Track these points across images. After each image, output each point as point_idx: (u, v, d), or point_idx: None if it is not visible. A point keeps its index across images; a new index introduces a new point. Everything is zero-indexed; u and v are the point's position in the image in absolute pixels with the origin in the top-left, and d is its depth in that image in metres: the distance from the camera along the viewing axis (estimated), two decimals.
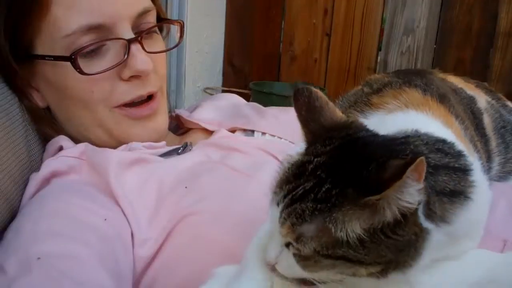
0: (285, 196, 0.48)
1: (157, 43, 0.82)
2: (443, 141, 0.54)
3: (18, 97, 0.79)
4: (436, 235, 0.48)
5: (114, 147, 0.80)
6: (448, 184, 0.49)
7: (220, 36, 2.09)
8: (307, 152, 0.51)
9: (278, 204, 0.49)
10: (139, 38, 0.77)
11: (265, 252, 0.54)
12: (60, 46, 0.74)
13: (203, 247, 0.66)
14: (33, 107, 0.80)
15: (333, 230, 0.45)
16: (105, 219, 0.66)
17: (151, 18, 0.81)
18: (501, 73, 1.83)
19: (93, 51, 0.75)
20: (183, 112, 0.96)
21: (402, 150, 0.49)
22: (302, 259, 0.47)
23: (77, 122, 0.81)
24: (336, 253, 0.46)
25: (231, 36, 2.10)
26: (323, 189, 0.46)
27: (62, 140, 0.79)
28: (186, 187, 0.70)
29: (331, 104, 0.55)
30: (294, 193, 0.48)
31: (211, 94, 2.02)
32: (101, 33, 0.75)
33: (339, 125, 0.53)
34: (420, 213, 0.46)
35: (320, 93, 0.55)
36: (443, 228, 0.49)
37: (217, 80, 2.12)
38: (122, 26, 0.76)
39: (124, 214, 0.68)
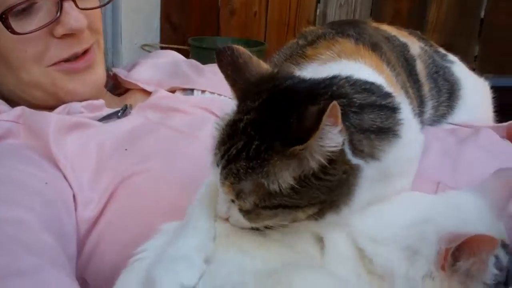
0: (222, 157, 0.50)
1: None
2: (372, 83, 0.55)
3: None
4: (367, 171, 0.49)
5: (53, 106, 0.78)
6: (375, 122, 0.51)
7: None
8: (238, 110, 0.52)
9: (218, 165, 0.50)
10: None
11: (209, 205, 0.56)
12: None
13: (148, 205, 0.66)
14: None
15: (266, 183, 0.47)
16: (46, 183, 0.65)
17: None
18: (437, 24, 1.86)
19: (25, 10, 0.73)
20: (120, 72, 0.94)
21: (324, 93, 0.50)
22: (246, 213, 0.50)
23: (12, 84, 0.79)
24: (273, 203, 0.48)
25: None
26: (253, 146, 0.48)
27: None
28: (126, 149, 0.69)
29: (255, 58, 0.56)
30: (229, 153, 0.49)
31: (149, 52, 1.98)
32: None
33: (265, 77, 0.54)
34: (347, 150, 0.47)
35: (242, 49, 0.56)
36: (373, 165, 0.50)
37: (154, 36, 2.06)
38: None
39: (65, 177, 0.67)
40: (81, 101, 0.79)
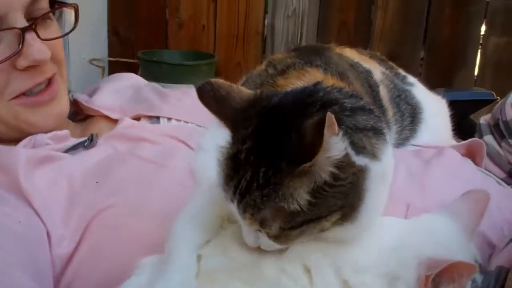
0: (234, 193, 0.50)
1: (52, 28, 0.78)
2: (354, 94, 0.55)
3: None
4: (374, 170, 0.50)
5: (17, 139, 0.76)
6: (369, 122, 0.51)
7: (103, 4, 2.00)
8: (233, 141, 0.52)
9: (232, 201, 0.50)
10: (33, 26, 0.72)
11: (189, 239, 0.56)
12: None
13: (123, 239, 0.65)
14: None
15: (285, 206, 0.47)
16: (19, 221, 0.63)
17: (44, 4, 0.77)
18: (382, 32, 1.92)
19: None
20: (81, 97, 0.92)
21: (313, 102, 0.50)
22: (275, 238, 0.50)
23: None
24: (297, 222, 0.49)
25: (114, 3, 2.02)
26: (261, 174, 0.48)
27: None
28: (97, 182, 0.68)
29: (234, 86, 0.55)
30: (240, 187, 0.49)
31: (98, 66, 1.95)
32: None
33: (251, 101, 0.53)
34: (351, 152, 0.48)
35: (220, 81, 0.55)
36: (377, 164, 0.51)
37: (102, 50, 2.03)
38: (14, 16, 0.71)
39: (37, 214, 0.66)
40: (45, 132, 0.77)
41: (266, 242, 0.51)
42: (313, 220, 0.49)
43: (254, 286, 0.53)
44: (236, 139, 0.51)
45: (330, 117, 0.44)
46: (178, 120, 0.85)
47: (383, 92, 0.77)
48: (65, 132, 0.79)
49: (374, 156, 0.50)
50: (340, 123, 0.47)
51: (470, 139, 0.83)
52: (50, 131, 0.78)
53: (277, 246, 0.51)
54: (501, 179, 0.82)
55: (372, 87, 0.76)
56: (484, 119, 0.90)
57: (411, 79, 0.86)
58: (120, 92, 0.94)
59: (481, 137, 0.88)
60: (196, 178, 0.68)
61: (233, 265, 0.55)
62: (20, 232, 0.62)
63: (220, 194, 0.52)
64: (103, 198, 0.67)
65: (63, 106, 0.80)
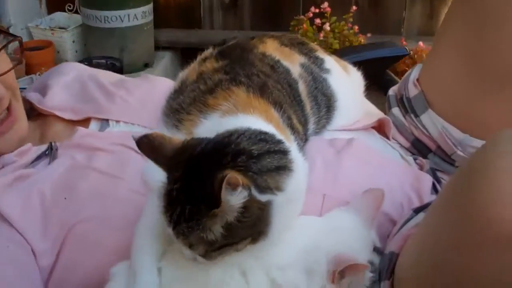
0: (169, 221, 0.63)
1: (1, 59, 0.85)
2: (266, 133, 0.68)
3: None
4: (278, 201, 0.64)
5: None
6: (273, 163, 0.64)
7: None
8: (169, 181, 0.65)
9: (169, 226, 0.64)
10: None
11: (149, 251, 0.71)
12: None
13: (95, 250, 0.77)
14: None
15: (205, 236, 0.62)
16: (8, 246, 0.75)
17: None
18: None
19: None
20: (34, 97, 0.99)
21: (226, 154, 0.62)
22: (202, 256, 0.64)
23: None
24: (216, 247, 0.63)
25: None
26: (187, 210, 0.62)
27: None
28: (65, 198, 0.79)
29: (167, 137, 0.67)
30: (173, 217, 0.63)
31: None
32: None
33: (180, 150, 0.66)
34: (255, 194, 0.61)
35: (155, 133, 0.67)
36: (281, 195, 0.65)
37: None
38: None
39: (20, 234, 0.77)
40: (12, 151, 0.87)
41: (198, 258, 0.65)
42: (229, 245, 0.63)
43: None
44: (170, 180, 0.64)
45: (230, 177, 0.57)
46: (126, 123, 0.94)
47: (302, 88, 0.88)
48: (28, 146, 0.89)
49: (278, 189, 0.64)
50: (246, 169, 0.61)
51: (378, 118, 0.97)
52: (16, 149, 0.87)
53: (206, 261, 0.65)
54: (406, 148, 0.97)
55: (291, 86, 0.86)
56: (392, 90, 1.02)
57: (328, 63, 0.96)
58: (68, 88, 1.01)
59: (390, 108, 1.01)
60: (148, 188, 0.80)
61: (186, 275, 0.70)
62: (12, 255, 0.74)
63: (161, 219, 0.65)
64: (72, 214, 0.79)
65: (23, 128, 0.89)
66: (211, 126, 0.75)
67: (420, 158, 0.95)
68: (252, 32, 2.92)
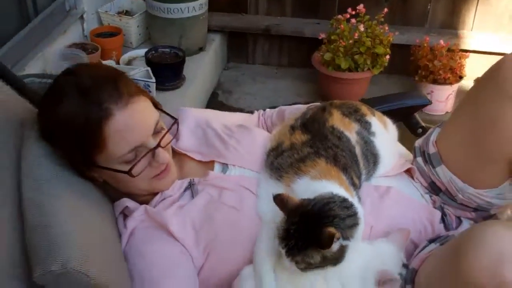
0: (284, 247, 1.09)
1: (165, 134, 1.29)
2: (346, 200, 1.15)
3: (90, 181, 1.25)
4: (350, 244, 1.11)
5: (153, 195, 1.30)
6: (351, 221, 1.11)
7: None
8: (287, 222, 1.10)
9: (283, 249, 1.09)
10: (159, 144, 1.24)
11: (268, 267, 1.17)
12: (116, 161, 1.19)
13: (230, 255, 1.21)
14: (99, 185, 1.28)
15: (308, 260, 1.07)
16: (180, 251, 1.20)
17: (160, 123, 1.25)
18: None
19: (134, 159, 1.23)
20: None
21: (328, 216, 1.08)
22: (301, 269, 1.09)
23: (128, 190, 1.29)
24: (312, 267, 1.09)
25: None
26: (299, 244, 1.08)
27: (125, 202, 1.28)
28: (208, 224, 1.24)
29: (290, 196, 1.13)
30: (287, 247, 1.08)
31: None
32: (138, 149, 1.22)
33: (297, 205, 1.11)
34: (342, 241, 1.08)
35: (285, 194, 1.13)
36: (352, 241, 1.12)
37: None
38: (148, 141, 1.22)
39: (182, 245, 1.21)
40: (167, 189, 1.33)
41: (296, 270, 1.11)
42: (320, 267, 1.10)
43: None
44: (290, 222, 1.10)
45: (335, 234, 1.04)
46: (240, 167, 1.33)
47: (357, 151, 1.31)
48: (176, 183, 1.34)
49: (352, 237, 1.11)
50: (340, 227, 1.08)
51: (409, 165, 1.42)
52: (170, 186, 1.33)
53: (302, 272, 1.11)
54: (425, 187, 1.43)
55: (351, 151, 1.29)
56: (418, 143, 1.46)
57: (374, 126, 1.37)
58: (193, 133, 1.41)
59: (415, 156, 1.45)
60: (261, 218, 1.27)
61: (290, 278, 1.18)
62: (181, 259, 1.19)
63: (276, 244, 1.12)
64: (213, 234, 1.24)
65: (175, 174, 1.31)
66: (303, 184, 1.21)
67: (434, 196, 1.41)
68: (292, 20, 3.31)
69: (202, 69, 3.09)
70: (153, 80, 2.59)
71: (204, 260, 1.24)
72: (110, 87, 1.16)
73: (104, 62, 2.73)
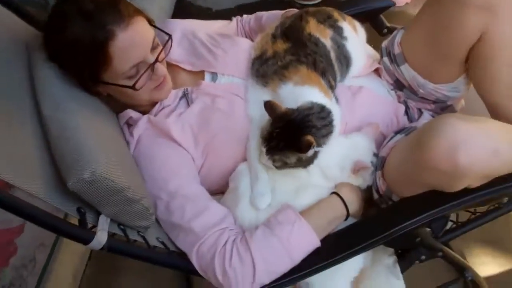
0: (265, 146, 1.28)
1: (161, 49, 1.40)
2: (323, 108, 1.33)
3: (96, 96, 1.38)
4: (322, 150, 1.30)
5: (153, 104, 1.44)
6: (327, 130, 1.29)
7: None
8: (272, 125, 1.28)
9: (264, 147, 1.29)
10: (157, 59, 1.36)
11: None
12: (120, 77, 1.31)
13: (226, 153, 1.39)
14: (103, 98, 1.40)
15: (284, 159, 1.27)
16: (183, 153, 1.36)
17: (156, 39, 1.35)
18: None
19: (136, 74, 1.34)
20: None
21: (310, 126, 1.27)
22: (277, 167, 1.30)
23: (131, 102, 1.42)
24: (288, 165, 1.29)
25: None
26: (279, 146, 1.27)
27: (129, 112, 1.42)
28: (205, 128, 1.39)
29: (278, 104, 1.29)
30: (269, 147, 1.27)
31: None
32: (139, 64, 1.33)
33: (283, 113, 1.28)
34: (316, 148, 1.27)
35: (273, 101, 1.30)
36: (325, 147, 1.32)
37: None
38: (148, 57, 1.33)
39: (184, 148, 1.36)
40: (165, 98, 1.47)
41: (272, 167, 1.30)
42: (295, 167, 1.30)
43: (289, 182, 1.38)
44: (274, 126, 1.28)
45: (312, 142, 1.22)
46: (228, 75, 1.47)
47: (332, 55, 1.45)
48: (172, 92, 1.47)
49: (324, 144, 1.30)
50: (316, 136, 1.26)
51: (376, 65, 1.59)
52: (167, 96, 1.48)
53: (275, 168, 1.31)
54: (391, 83, 1.61)
55: (327, 56, 1.43)
56: (384, 44, 1.62)
57: (346, 30, 1.51)
58: (180, 44, 1.54)
59: (382, 56, 1.62)
60: (250, 119, 1.42)
61: (277, 172, 1.38)
62: (186, 159, 1.36)
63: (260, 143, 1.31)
64: (210, 135, 1.37)
65: (170, 84, 1.44)
66: (288, 89, 1.36)
67: (398, 92, 1.60)
68: None
69: None
70: None
71: (203, 159, 1.42)
72: (111, 10, 1.27)
73: None
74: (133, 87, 1.32)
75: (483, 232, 2.23)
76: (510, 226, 2.32)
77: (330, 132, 1.30)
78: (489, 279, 2.03)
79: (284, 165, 1.29)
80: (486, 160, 1.13)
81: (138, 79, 1.32)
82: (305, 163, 1.30)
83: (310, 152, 1.25)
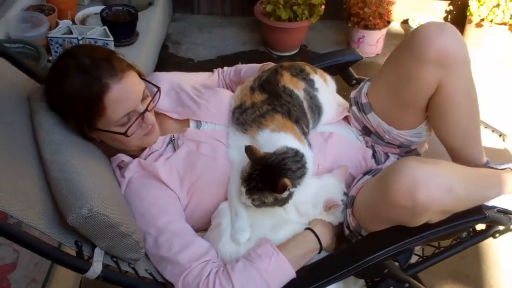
0: (245, 187, 1.42)
1: (149, 100, 1.56)
2: (297, 153, 1.48)
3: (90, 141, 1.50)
4: (297, 190, 1.44)
5: (142, 150, 1.58)
6: (301, 173, 1.44)
7: None
8: (251, 168, 1.42)
9: (244, 189, 1.43)
10: (147, 108, 1.52)
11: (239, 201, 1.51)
12: (113, 125, 1.44)
13: (209, 194, 1.51)
14: (97, 144, 1.53)
15: (263, 199, 1.41)
16: (170, 194, 1.48)
17: (145, 91, 1.50)
18: None
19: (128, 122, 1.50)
20: None
21: (286, 169, 1.42)
22: (256, 206, 1.43)
23: (122, 147, 1.54)
24: (267, 204, 1.43)
25: None
26: (258, 186, 1.40)
27: (121, 157, 1.55)
28: (190, 171, 1.56)
29: (257, 148, 1.44)
30: (248, 187, 1.41)
31: None
32: (130, 113, 1.48)
33: (261, 157, 1.42)
34: (292, 189, 1.42)
35: (253, 146, 1.45)
36: (299, 187, 1.45)
37: None
38: (138, 107, 1.48)
39: (171, 189, 1.49)
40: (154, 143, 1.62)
41: (252, 206, 1.44)
42: (271, 205, 1.43)
43: (266, 219, 1.51)
44: (253, 169, 1.42)
45: (288, 184, 1.37)
46: (211, 123, 1.62)
47: (305, 105, 1.62)
48: (160, 138, 1.63)
49: (299, 185, 1.44)
50: (291, 178, 1.40)
51: (346, 113, 1.76)
52: (155, 141, 1.62)
53: (256, 208, 1.44)
54: (359, 130, 1.78)
55: (300, 105, 1.59)
56: (352, 94, 1.79)
57: (317, 82, 1.69)
58: (168, 95, 1.70)
59: (351, 106, 1.79)
60: (231, 163, 1.58)
61: (256, 211, 1.52)
62: (172, 200, 1.49)
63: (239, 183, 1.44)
64: (195, 178, 1.51)
65: (158, 131, 1.60)
66: (265, 136, 1.51)
67: (366, 137, 1.75)
68: None
69: (152, 23, 3.30)
70: (111, 38, 2.79)
71: (188, 200, 1.55)
72: (106, 65, 1.42)
73: (61, 22, 2.90)
74: (124, 134, 1.46)
75: (453, 269, 2.38)
76: (479, 263, 2.47)
77: (304, 174, 1.44)
78: None
79: (262, 204, 1.42)
80: (442, 197, 1.28)
81: (130, 126, 1.46)
82: (281, 203, 1.43)
83: (286, 193, 1.39)
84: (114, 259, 1.32)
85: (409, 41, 1.53)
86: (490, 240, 2.32)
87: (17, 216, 1.12)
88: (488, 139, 1.92)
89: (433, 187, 1.26)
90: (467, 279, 2.39)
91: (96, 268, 1.21)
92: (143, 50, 3.04)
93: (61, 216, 1.25)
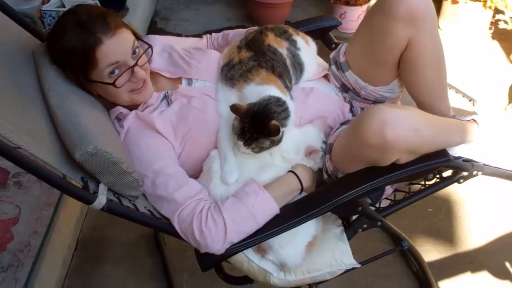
0: (242, 139, 1.56)
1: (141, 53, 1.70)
2: (279, 99, 1.63)
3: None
4: (285, 130, 1.60)
5: (136, 105, 1.73)
6: (286, 115, 1.58)
7: None
8: (241, 122, 1.56)
9: (241, 141, 1.57)
10: (136, 63, 1.65)
11: (228, 146, 1.66)
12: (103, 75, 1.58)
13: (200, 143, 1.65)
14: (96, 97, 1.68)
15: (261, 144, 1.56)
16: (165, 142, 1.62)
17: (135, 44, 1.62)
18: None
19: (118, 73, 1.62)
20: None
21: (270, 113, 1.57)
22: (255, 152, 1.58)
23: (115, 102, 1.68)
24: (263, 149, 1.58)
25: None
26: (253, 136, 1.55)
27: (119, 109, 1.68)
28: (183, 123, 1.70)
29: (241, 104, 1.58)
30: (244, 139, 1.55)
31: None
32: (121, 67, 1.60)
33: (246, 109, 1.56)
34: (282, 129, 1.57)
35: (237, 103, 1.59)
36: (286, 128, 1.61)
37: None
38: (128, 60, 1.60)
39: (166, 139, 1.63)
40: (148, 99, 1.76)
41: (248, 151, 1.59)
42: (267, 148, 1.59)
43: (254, 162, 1.66)
44: (244, 121, 1.56)
45: (278, 125, 1.52)
46: (201, 80, 1.77)
47: (288, 62, 1.76)
48: (155, 94, 1.76)
49: (285, 126, 1.59)
50: (278, 119, 1.55)
51: (325, 71, 1.91)
52: (149, 97, 1.76)
53: (252, 152, 1.59)
54: (338, 87, 1.93)
55: (284, 63, 1.73)
56: (332, 54, 1.94)
57: (299, 43, 1.84)
58: (160, 56, 1.84)
59: (330, 65, 1.94)
60: (220, 115, 1.72)
61: (245, 156, 1.67)
62: (168, 147, 1.63)
63: (234, 138, 1.60)
64: (187, 128, 1.66)
65: (151, 88, 1.73)
66: (251, 89, 1.66)
67: (344, 93, 1.91)
68: None
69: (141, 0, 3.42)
70: None
71: (181, 149, 1.69)
72: (101, 21, 1.55)
73: None
74: (113, 84, 1.59)
75: (426, 224, 2.56)
76: (450, 220, 2.65)
77: (288, 116, 1.59)
78: (431, 264, 2.36)
79: (261, 149, 1.58)
80: (408, 135, 1.43)
81: (118, 77, 1.60)
82: (277, 142, 1.58)
83: (280, 134, 1.54)
84: (116, 195, 1.47)
85: (380, 1, 1.68)
86: (459, 199, 2.52)
87: (32, 151, 1.26)
88: (458, 104, 2.06)
89: (400, 126, 1.40)
90: (439, 233, 2.57)
91: (101, 200, 1.35)
92: (132, 24, 3.14)
93: (68, 155, 1.38)
